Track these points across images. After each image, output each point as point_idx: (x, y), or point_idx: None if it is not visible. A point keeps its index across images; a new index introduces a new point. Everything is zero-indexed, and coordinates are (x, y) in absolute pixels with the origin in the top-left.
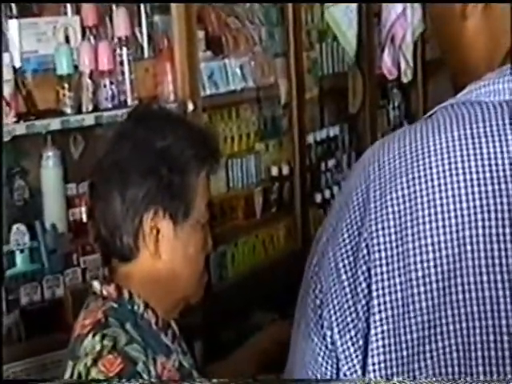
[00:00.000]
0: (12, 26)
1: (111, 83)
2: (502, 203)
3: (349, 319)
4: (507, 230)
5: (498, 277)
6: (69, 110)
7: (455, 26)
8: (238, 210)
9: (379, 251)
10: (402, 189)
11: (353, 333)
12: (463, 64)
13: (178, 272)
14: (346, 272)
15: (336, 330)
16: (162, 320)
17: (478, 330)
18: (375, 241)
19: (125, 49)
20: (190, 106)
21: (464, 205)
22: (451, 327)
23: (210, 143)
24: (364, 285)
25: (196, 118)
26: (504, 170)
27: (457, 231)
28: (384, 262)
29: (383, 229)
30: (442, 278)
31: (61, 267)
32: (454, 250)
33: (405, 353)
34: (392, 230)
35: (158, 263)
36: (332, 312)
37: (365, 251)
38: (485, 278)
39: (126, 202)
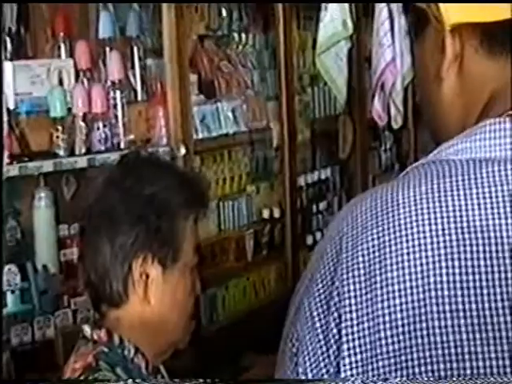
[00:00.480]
0: (6, 68)
1: (104, 126)
2: (465, 251)
3: (322, 364)
4: (470, 277)
5: (462, 321)
6: (62, 152)
7: (433, 88)
8: (229, 252)
9: (349, 298)
10: (373, 239)
11: (325, 377)
12: (443, 124)
13: (167, 316)
14: (319, 320)
15: (310, 375)
16: (152, 365)
17: (442, 373)
18: (346, 288)
19: (118, 92)
20: (182, 150)
21: (429, 253)
22: (417, 370)
23: (198, 189)
24: (335, 330)
25: (188, 162)
26: (468, 221)
27: (422, 278)
28: (354, 308)
29: (353, 277)
30: (408, 323)
31: (52, 308)
32: (420, 296)
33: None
34: (362, 278)
35: (147, 308)
36: (307, 358)
37: (336, 299)
38: (449, 322)
39: (115, 248)
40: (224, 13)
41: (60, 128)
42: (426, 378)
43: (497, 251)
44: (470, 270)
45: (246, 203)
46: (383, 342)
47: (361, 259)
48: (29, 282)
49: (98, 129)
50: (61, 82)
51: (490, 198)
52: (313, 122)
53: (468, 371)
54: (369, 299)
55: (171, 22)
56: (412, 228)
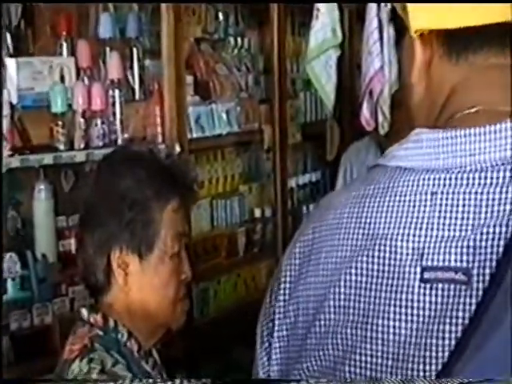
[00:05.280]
0: (10, 64)
1: (103, 123)
2: (363, 255)
3: (265, 333)
4: (363, 279)
5: (350, 317)
6: (62, 147)
7: (408, 91)
8: (221, 249)
9: (284, 282)
10: (308, 234)
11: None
12: (415, 121)
13: (148, 302)
14: (269, 298)
15: (259, 341)
16: (144, 348)
17: (332, 358)
18: (283, 273)
19: (117, 90)
20: (177, 148)
21: (339, 254)
22: (313, 353)
23: (172, 179)
24: (271, 309)
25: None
26: (373, 228)
27: (330, 275)
28: (287, 291)
29: (290, 265)
30: (313, 313)
31: (50, 296)
32: (325, 291)
33: (292, 354)
34: (296, 267)
35: (129, 295)
36: (259, 325)
37: (276, 282)
38: (341, 317)
39: (95, 241)
40: (221, 17)
41: (60, 123)
42: (319, 362)
43: (389, 258)
44: (364, 273)
45: (239, 202)
46: (299, 325)
47: (297, 250)
48: (28, 270)
49: (97, 125)
50: (62, 79)
51: (398, 206)
52: (304, 125)
53: (347, 361)
54: (296, 286)
55: (170, 25)
56: (332, 229)
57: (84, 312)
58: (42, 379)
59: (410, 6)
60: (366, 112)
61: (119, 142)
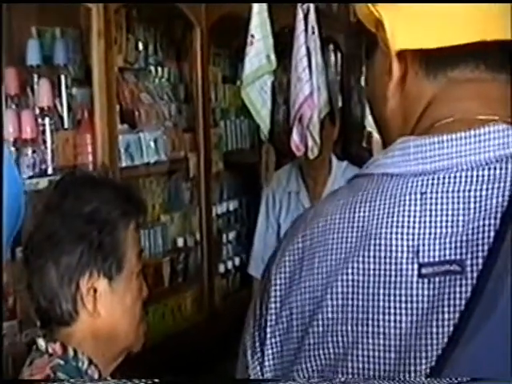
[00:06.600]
0: None
1: (33, 152)
2: (358, 255)
3: (257, 344)
4: (360, 278)
5: (349, 315)
6: None
7: (379, 105)
8: (147, 279)
9: (275, 290)
10: (298, 242)
11: (259, 353)
12: (387, 133)
13: (118, 325)
14: (258, 308)
15: (249, 352)
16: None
17: (332, 356)
18: (273, 282)
19: (47, 118)
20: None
21: (333, 257)
22: (312, 353)
23: (133, 199)
24: (263, 319)
25: None
26: (366, 230)
27: (325, 277)
28: (278, 299)
29: (280, 273)
30: (310, 315)
31: None
32: (322, 292)
33: (287, 358)
34: (287, 274)
35: (97, 321)
36: (247, 337)
37: (266, 291)
38: (340, 315)
39: (61, 270)
40: (140, 46)
41: None
42: (320, 361)
43: (385, 257)
44: (360, 272)
45: (162, 232)
46: (294, 328)
47: (287, 258)
48: None
49: (27, 155)
50: None
51: (389, 208)
52: (225, 154)
53: (349, 357)
54: (288, 293)
55: (100, 53)
56: (324, 235)
57: (41, 342)
58: (41, 380)
59: (389, 26)
60: (295, 137)
61: (49, 171)
